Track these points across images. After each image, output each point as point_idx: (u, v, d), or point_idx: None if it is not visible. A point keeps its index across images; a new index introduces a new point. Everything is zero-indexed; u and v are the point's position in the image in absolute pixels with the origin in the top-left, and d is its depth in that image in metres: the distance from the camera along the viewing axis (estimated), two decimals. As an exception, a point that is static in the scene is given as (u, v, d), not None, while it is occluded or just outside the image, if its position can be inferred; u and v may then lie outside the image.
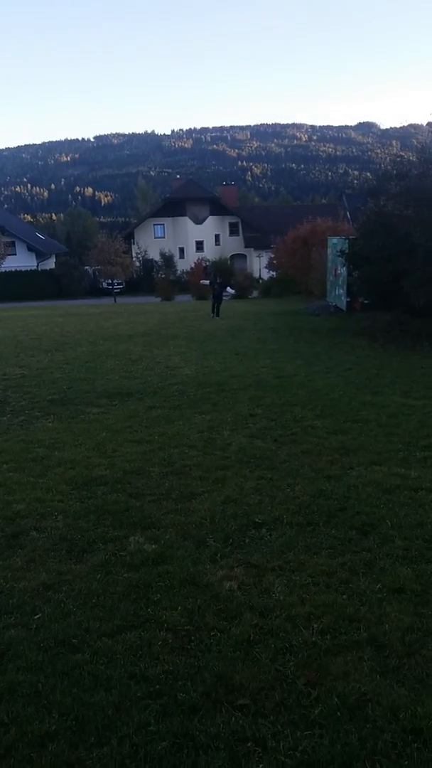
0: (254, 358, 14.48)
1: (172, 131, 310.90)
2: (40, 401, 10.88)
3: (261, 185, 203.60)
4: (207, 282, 25.35)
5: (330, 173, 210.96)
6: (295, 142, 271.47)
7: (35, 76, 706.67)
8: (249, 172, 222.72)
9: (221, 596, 4.38)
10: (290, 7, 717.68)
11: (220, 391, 11.13)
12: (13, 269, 53.28)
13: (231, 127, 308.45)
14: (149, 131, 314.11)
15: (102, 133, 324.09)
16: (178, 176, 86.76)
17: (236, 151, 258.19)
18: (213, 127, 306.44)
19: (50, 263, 58.73)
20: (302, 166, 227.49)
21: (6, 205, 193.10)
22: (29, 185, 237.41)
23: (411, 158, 19.26)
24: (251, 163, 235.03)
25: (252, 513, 5.79)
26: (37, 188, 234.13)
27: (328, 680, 3.44)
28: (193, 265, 44.33)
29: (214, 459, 7.42)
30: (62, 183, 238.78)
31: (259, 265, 54.29)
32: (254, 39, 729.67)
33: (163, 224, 61.79)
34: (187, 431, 8.64)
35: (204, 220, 60.48)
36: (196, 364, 13.89)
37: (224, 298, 26.86)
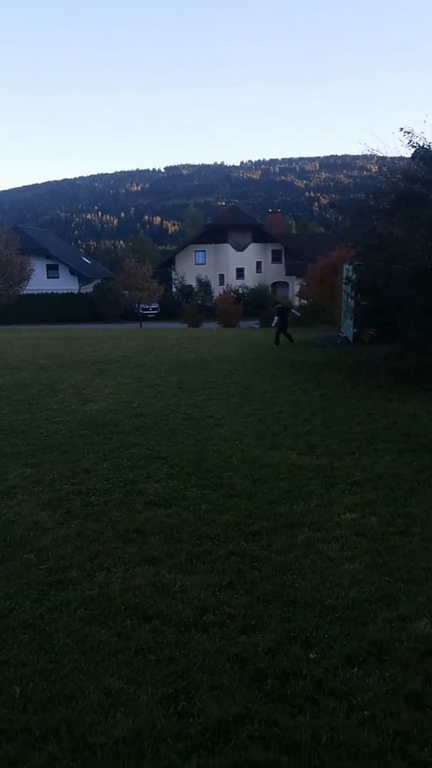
0: (191, 393, 12.20)
1: (241, 162, 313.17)
2: None
3: (327, 216, 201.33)
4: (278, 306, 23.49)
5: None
6: (365, 173, 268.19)
7: (111, 107, 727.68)
8: (316, 203, 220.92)
9: None
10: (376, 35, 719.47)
11: (98, 434, 8.97)
12: (52, 291, 52.71)
13: (300, 158, 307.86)
14: (218, 162, 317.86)
15: (172, 164, 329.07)
16: (222, 203, 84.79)
17: (304, 182, 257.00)
18: (282, 159, 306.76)
19: (92, 287, 57.90)
20: (371, 196, 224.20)
21: (77, 231, 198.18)
22: (100, 213, 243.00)
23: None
24: (319, 194, 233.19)
25: None
26: (108, 216, 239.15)
27: None
28: (221, 293, 42.05)
29: None
30: (132, 212, 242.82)
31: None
32: (328, 71, 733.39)
33: (204, 251, 59.91)
34: (-20, 491, 6.49)
35: (245, 247, 58.30)
36: (118, 399, 11.79)
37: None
